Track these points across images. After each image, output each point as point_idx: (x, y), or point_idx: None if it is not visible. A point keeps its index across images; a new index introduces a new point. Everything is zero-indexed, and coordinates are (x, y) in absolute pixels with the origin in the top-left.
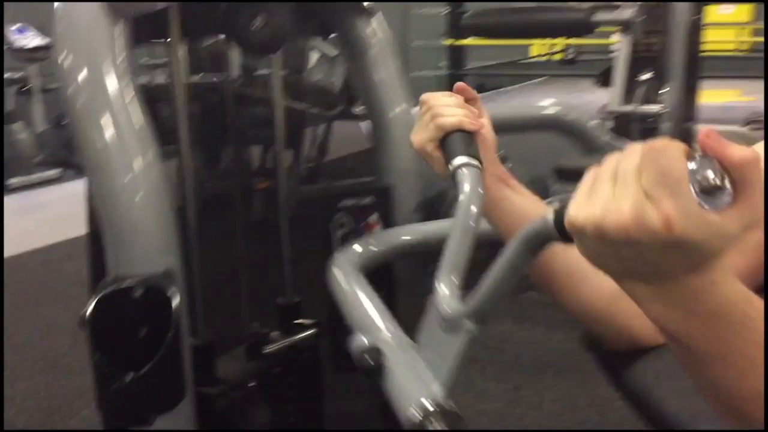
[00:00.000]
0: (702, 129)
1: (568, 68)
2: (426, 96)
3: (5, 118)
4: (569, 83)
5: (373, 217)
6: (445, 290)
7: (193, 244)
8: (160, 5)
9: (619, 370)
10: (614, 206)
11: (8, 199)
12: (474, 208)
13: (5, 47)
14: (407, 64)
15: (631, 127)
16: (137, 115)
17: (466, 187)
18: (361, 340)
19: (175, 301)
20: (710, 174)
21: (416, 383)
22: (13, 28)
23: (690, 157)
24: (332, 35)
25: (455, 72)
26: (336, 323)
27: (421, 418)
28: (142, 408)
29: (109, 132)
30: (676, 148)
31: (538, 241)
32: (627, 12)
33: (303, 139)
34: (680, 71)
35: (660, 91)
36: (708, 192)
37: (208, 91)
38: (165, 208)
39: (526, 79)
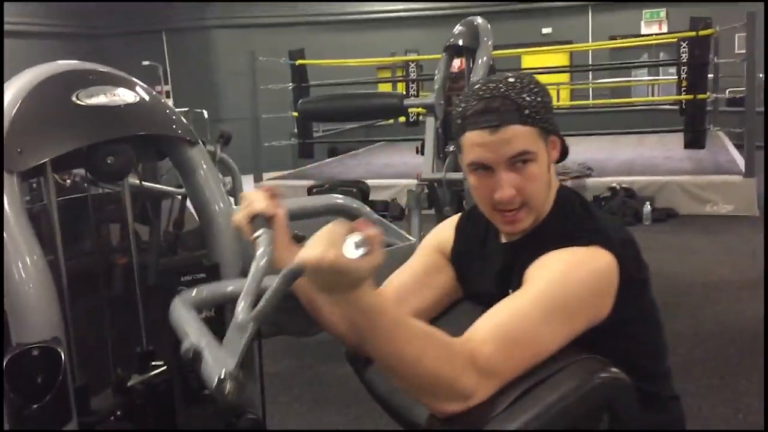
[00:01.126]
0: (361, 225)
1: (412, 130)
2: (245, 193)
3: None
4: (406, 146)
5: None
6: (241, 306)
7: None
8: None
9: (363, 375)
10: (314, 250)
11: None
12: (265, 259)
13: None
14: (258, 135)
15: (440, 192)
16: (28, 233)
17: (262, 247)
18: (186, 343)
19: (63, 355)
20: (356, 240)
21: (217, 365)
22: None
23: (351, 231)
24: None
25: (304, 141)
26: (181, 363)
27: (218, 381)
28: (46, 425)
29: (7, 248)
30: (343, 226)
31: (292, 276)
32: (430, 98)
33: (160, 214)
34: None
35: None
36: (357, 247)
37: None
38: (51, 293)
39: (372, 143)
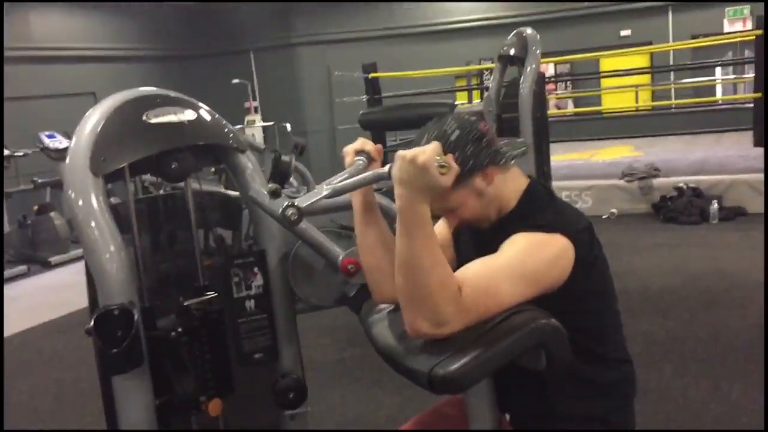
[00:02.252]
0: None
1: None
2: (361, 139)
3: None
4: None
5: (255, 269)
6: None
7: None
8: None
9: (366, 326)
10: (414, 150)
11: None
12: (357, 171)
13: (40, 149)
14: (335, 145)
15: None
16: (110, 222)
17: (360, 164)
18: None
19: (136, 314)
20: (441, 161)
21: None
22: (46, 134)
23: (439, 154)
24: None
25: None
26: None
27: (285, 207)
28: (122, 366)
29: (94, 232)
30: (436, 148)
31: (377, 175)
32: (478, 105)
33: (241, 220)
34: (530, 140)
35: None
36: (441, 166)
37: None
38: (127, 268)
39: None
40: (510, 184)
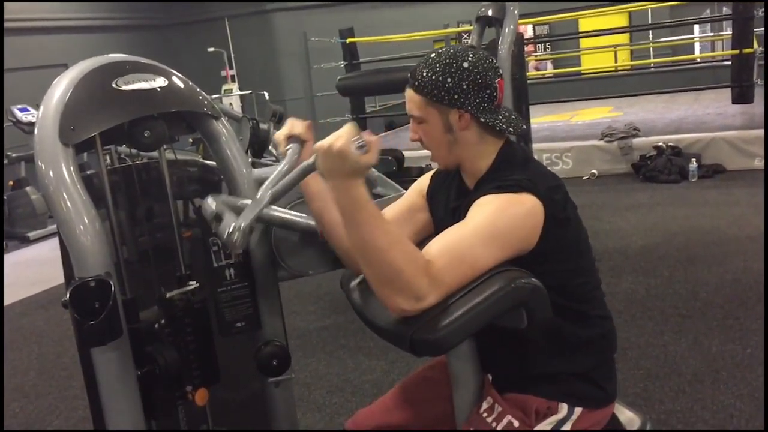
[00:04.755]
0: (366, 134)
1: None
2: (290, 119)
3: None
4: None
5: None
6: (263, 187)
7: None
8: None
9: (349, 295)
10: (327, 140)
11: None
12: (289, 164)
13: (12, 122)
14: (314, 113)
15: None
16: (83, 193)
17: (289, 155)
18: (209, 208)
19: (113, 286)
20: (359, 142)
21: (230, 221)
22: (18, 107)
23: (358, 134)
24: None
25: (357, 116)
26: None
27: (228, 233)
28: (100, 339)
29: (67, 203)
30: (352, 129)
31: (307, 168)
32: None
33: (220, 190)
34: (510, 101)
35: None
36: (359, 147)
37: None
38: (102, 239)
39: None
40: (489, 146)
